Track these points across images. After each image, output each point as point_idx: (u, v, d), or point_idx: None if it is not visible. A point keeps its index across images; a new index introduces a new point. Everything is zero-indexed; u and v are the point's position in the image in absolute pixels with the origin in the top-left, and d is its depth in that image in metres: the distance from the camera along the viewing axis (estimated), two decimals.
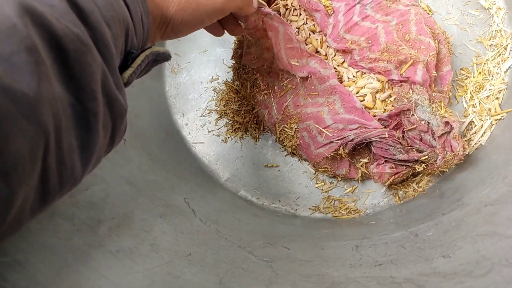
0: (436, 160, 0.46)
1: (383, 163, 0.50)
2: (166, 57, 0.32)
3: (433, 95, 0.47)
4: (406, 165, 0.49)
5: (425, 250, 0.38)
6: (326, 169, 0.53)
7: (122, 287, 0.30)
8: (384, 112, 0.50)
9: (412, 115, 0.47)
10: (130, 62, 0.28)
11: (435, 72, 0.49)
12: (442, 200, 0.48)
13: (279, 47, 0.49)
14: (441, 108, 0.47)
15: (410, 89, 0.48)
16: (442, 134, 0.46)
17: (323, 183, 0.55)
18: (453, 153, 0.45)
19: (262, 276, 0.36)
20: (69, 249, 0.31)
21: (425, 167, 0.47)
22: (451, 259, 0.34)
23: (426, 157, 0.47)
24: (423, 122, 0.46)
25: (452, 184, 0.50)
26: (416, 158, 0.47)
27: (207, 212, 0.47)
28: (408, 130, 0.48)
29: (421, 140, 0.47)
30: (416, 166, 0.48)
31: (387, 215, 0.51)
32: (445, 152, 0.46)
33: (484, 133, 0.52)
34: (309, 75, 0.51)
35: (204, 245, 0.40)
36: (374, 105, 0.51)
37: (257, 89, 0.55)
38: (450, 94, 0.52)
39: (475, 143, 0.52)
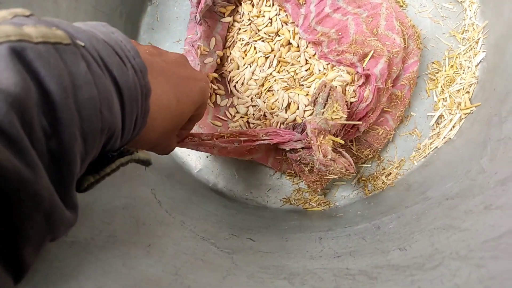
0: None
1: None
2: (145, 163, 0.29)
3: (335, 96, 0.46)
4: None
5: (384, 243, 0.38)
6: (290, 173, 0.54)
7: (73, 276, 0.30)
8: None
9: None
10: (99, 167, 0.25)
11: (395, 69, 0.49)
12: (408, 193, 0.48)
13: None
14: (333, 109, 0.45)
15: (328, 89, 0.47)
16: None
17: (294, 176, 0.55)
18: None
19: (221, 267, 0.36)
20: None
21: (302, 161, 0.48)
22: (406, 252, 0.35)
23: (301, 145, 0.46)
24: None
25: (419, 177, 0.50)
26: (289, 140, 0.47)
27: (174, 203, 0.47)
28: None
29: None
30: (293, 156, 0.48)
31: (355, 208, 0.51)
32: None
33: (453, 127, 0.52)
34: None
35: (166, 236, 0.40)
36: (344, 98, 0.51)
37: None
38: (413, 81, 0.52)
39: (444, 137, 0.52)
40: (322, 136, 0.44)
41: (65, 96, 0.19)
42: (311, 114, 0.50)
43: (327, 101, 0.46)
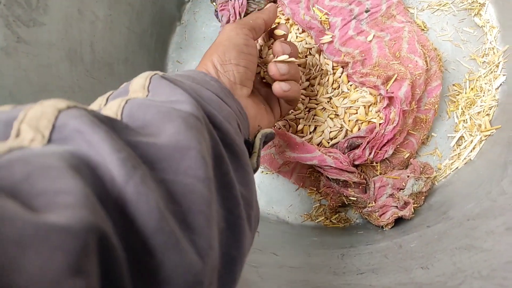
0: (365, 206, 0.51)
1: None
2: (272, 135, 0.36)
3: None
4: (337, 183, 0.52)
5: (406, 261, 0.39)
6: (312, 190, 0.55)
7: None
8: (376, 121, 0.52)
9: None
10: (251, 149, 0.31)
11: (418, 91, 0.50)
12: (429, 212, 0.49)
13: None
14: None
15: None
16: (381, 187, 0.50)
17: (315, 193, 0.57)
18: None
19: (247, 280, 0.38)
20: None
21: (354, 200, 0.51)
22: (429, 271, 0.36)
23: (354, 181, 0.50)
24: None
25: (440, 197, 0.51)
26: (343, 177, 0.50)
27: None
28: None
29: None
30: (346, 193, 0.51)
31: (376, 226, 0.52)
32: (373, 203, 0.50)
33: (473, 148, 0.53)
34: None
35: None
36: (366, 117, 0.52)
37: None
38: (437, 106, 0.53)
39: (465, 158, 0.53)
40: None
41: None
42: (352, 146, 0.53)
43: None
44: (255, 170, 0.31)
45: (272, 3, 0.46)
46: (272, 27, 0.45)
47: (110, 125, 0.18)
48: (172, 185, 0.18)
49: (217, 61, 0.35)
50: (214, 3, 0.60)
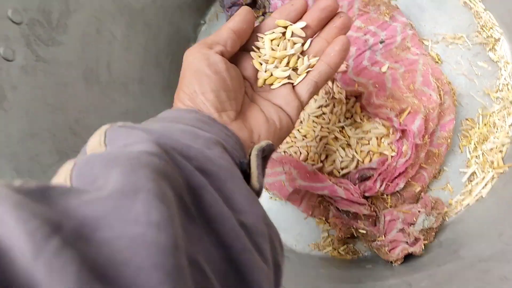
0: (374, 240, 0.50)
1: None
2: (270, 147, 0.31)
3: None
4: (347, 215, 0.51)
5: None
6: (321, 219, 0.55)
7: None
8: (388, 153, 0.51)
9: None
10: (249, 170, 0.28)
11: (432, 125, 0.50)
12: (440, 250, 0.48)
13: None
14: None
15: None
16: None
17: (323, 222, 0.56)
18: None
19: None
20: None
21: (363, 233, 0.50)
22: None
23: (364, 213, 0.50)
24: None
25: (451, 235, 0.50)
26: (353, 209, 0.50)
27: None
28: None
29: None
30: (356, 225, 0.50)
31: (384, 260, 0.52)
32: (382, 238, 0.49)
33: (485, 185, 0.52)
34: None
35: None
36: (378, 149, 0.52)
37: None
38: (450, 140, 0.53)
39: (476, 194, 0.52)
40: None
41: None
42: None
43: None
44: (258, 192, 0.28)
45: (245, 6, 0.36)
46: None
47: (38, 193, 0.16)
48: (116, 243, 0.15)
49: (183, 97, 0.32)
50: None
